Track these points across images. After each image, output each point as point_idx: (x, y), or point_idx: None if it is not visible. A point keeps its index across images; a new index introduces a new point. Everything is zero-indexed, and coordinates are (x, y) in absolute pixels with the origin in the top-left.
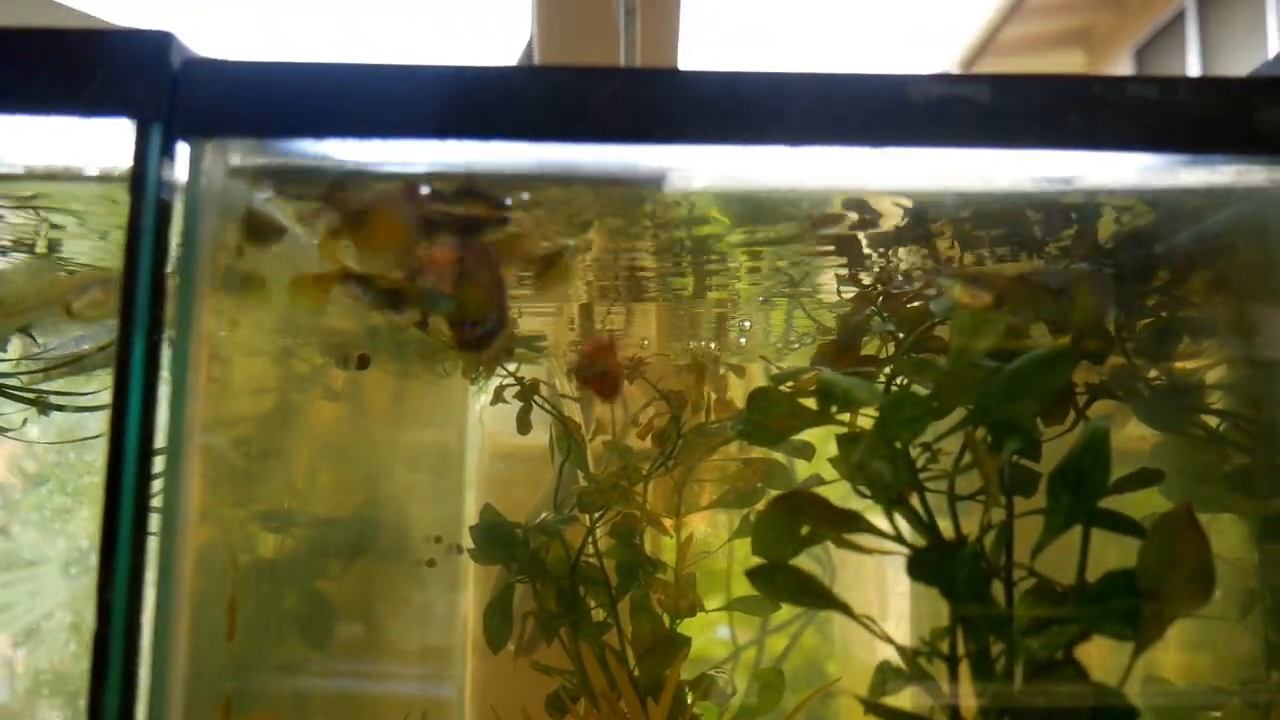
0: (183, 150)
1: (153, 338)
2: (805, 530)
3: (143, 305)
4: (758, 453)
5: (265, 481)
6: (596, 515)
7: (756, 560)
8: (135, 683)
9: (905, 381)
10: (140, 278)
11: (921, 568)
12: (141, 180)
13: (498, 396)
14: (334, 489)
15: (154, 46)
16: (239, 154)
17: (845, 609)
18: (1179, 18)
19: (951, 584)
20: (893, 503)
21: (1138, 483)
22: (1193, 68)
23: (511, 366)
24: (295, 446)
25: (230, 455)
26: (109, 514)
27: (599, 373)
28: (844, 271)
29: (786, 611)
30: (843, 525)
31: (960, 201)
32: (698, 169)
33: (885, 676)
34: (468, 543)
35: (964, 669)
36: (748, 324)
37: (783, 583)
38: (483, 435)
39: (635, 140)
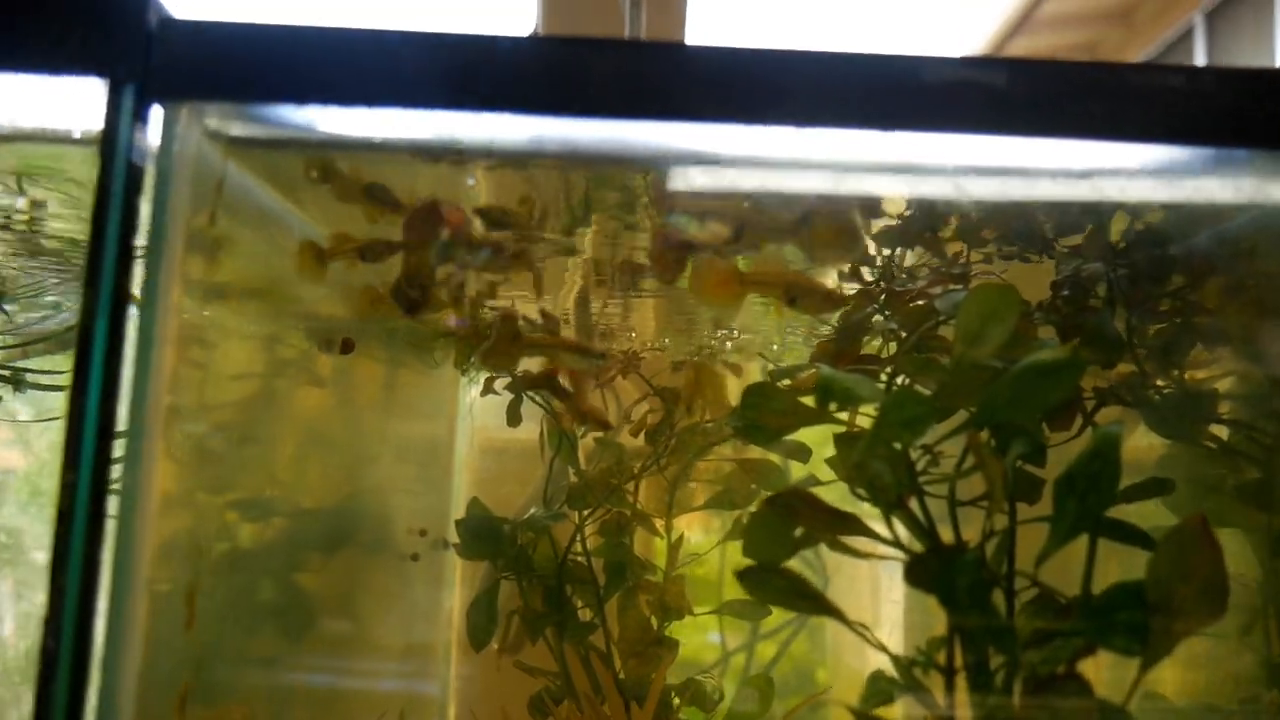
0: (156, 113)
1: (117, 311)
2: (799, 532)
3: (108, 275)
4: (753, 453)
5: (241, 468)
6: (586, 512)
7: (748, 563)
8: (86, 670)
9: (906, 381)
10: (107, 246)
11: (920, 574)
12: (112, 143)
13: (488, 388)
14: (316, 478)
15: (129, 4)
16: (215, 119)
17: (838, 615)
18: (1187, 35)
19: (951, 592)
20: (891, 506)
21: (1147, 492)
22: None
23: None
24: (274, 433)
25: (200, 439)
26: (65, 495)
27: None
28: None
29: (777, 617)
30: (838, 528)
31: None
32: (700, 148)
33: (878, 687)
34: (454, 537)
35: (960, 681)
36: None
37: (774, 585)
38: (472, 428)
39: (637, 116)
